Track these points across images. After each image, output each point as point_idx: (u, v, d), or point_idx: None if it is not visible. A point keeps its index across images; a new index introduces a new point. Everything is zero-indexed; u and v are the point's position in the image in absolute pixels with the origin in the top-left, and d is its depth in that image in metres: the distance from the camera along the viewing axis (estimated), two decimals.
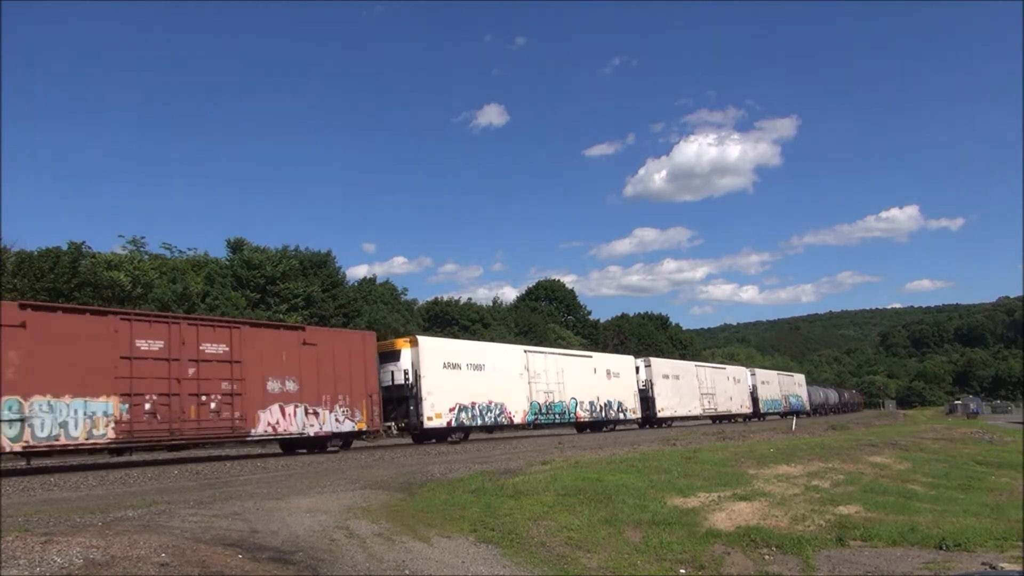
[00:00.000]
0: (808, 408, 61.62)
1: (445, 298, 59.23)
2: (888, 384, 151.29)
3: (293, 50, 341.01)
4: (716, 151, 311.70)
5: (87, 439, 15.25)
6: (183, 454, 21.28)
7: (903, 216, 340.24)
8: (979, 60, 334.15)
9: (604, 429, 32.96)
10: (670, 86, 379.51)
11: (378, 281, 55.68)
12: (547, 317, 71.00)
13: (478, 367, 26.08)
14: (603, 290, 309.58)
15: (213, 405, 17.45)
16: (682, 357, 52.86)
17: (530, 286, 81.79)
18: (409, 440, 25.04)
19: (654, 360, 39.05)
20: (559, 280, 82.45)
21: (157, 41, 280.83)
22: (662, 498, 11.07)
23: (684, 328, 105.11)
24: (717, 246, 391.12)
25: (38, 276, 28.86)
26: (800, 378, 65.22)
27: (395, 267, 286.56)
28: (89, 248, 32.35)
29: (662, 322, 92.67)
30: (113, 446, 16.38)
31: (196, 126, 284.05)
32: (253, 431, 18.14)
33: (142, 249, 37.61)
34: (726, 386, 45.48)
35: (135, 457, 20.12)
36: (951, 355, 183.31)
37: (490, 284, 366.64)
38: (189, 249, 41.45)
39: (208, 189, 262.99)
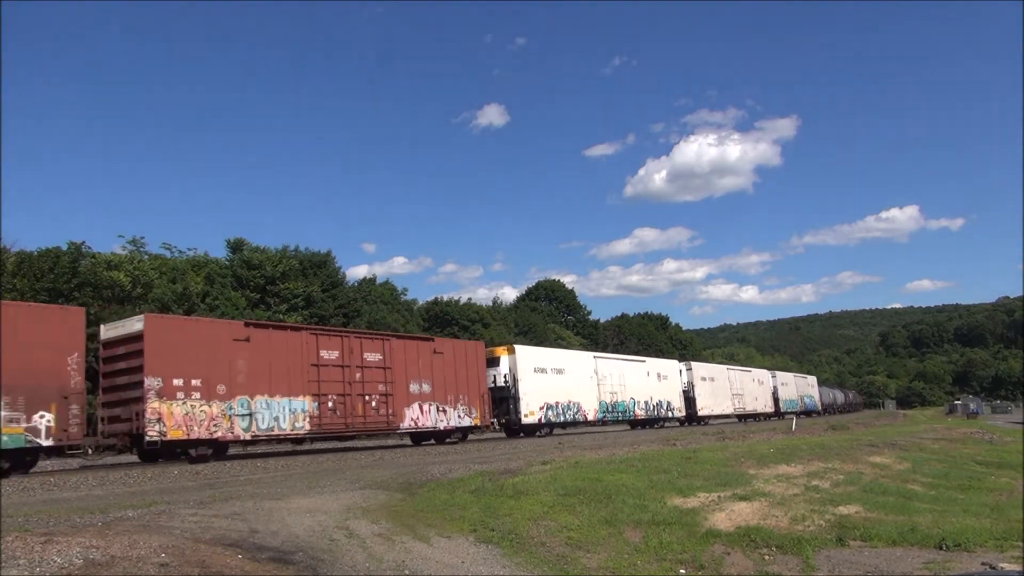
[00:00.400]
0: (820, 407, 64.98)
1: (445, 298, 59.26)
2: (888, 384, 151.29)
3: (293, 50, 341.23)
4: (716, 151, 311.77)
5: (291, 430, 19.09)
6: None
7: (903, 216, 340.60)
8: (979, 60, 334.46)
9: (655, 426, 36.48)
10: (670, 86, 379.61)
11: (378, 281, 55.74)
12: (547, 317, 71.03)
13: (559, 371, 30.04)
14: (603, 290, 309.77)
15: (374, 403, 21.36)
16: (681, 357, 54.83)
17: (530, 286, 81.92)
18: (503, 434, 28.44)
19: (695, 364, 42.57)
20: (559, 280, 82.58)
21: (157, 41, 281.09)
22: (662, 498, 11.07)
23: (684, 328, 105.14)
24: (717, 246, 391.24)
25: (38, 276, 28.85)
26: (812, 380, 69.03)
27: (395, 267, 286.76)
28: (89, 248, 32.37)
29: (662, 322, 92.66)
30: (307, 436, 20.45)
31: (196, 126, 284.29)
32: (401, 425, 22.21)
33: (142, 249, 37.62)
34: (752, 388, 48.83)
35: (135, 458, 20.11)
36: (951, 355, 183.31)
37: (490, 284, 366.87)
38: (189, 249, 41.46)
39: (208, 189, 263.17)
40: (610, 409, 32.80)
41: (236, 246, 42.00)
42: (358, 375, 20.92)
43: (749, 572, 8.37)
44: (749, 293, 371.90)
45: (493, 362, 27.31)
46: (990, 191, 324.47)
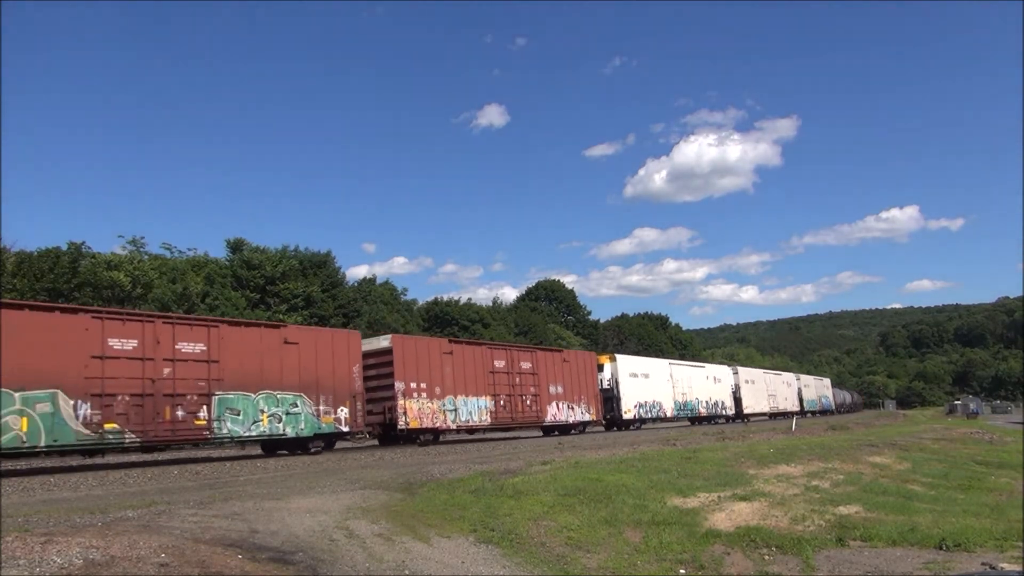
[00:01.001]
0: (834, 407, 71.64)
1: (445, 298, 59.26)
2: (888, 384, 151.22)
3: (294, 50, 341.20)
4: (716, 151, 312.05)
5: (479, 422, 25.02)
6: (182, 454, 21.44)
7: (903, 216, 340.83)
8: (979, 60, 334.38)
9: (712, 422, 41.62)
10: (670, 86, 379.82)
11: (378, 281, 55.74)
12: (547, 317, 71.00)
13: (646, 376, 35.68)
14: (603, 290, 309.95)
15: (528, 402, 27.22)
16: (681, 357, 57.75)
17: (530, 286, 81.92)
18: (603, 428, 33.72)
19: (740, 369, 49.18)
20: (559, 280, 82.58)
21: (158, 40, 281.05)
22: (662, 498, 11.07)
23: (684, 328, 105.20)
24: (717, 246, 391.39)
25: (38, 276, 28.84)
26: (827, 382, 76.91)
27: (395, 267, 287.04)
28: (89, 248, 32.37)
29: (662, 322, 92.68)
30: (488, 427, 26.30)
31: (196, 126, 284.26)
32: (546, 419, 27.85)
33: (142, 249, 37.62)
34: (783, 389, 55.69)
35: (135, 457, 20.13)
36: (951, 355, 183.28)
37: (490, 284, 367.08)
38: (189, 249, 41.47)
39: (208, 189, 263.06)
40: (682, 407, 38.43)
41: (236, 246, 42.00)
42: (517, 379, 26.88)
43: (749, 572, 8.36)
44: (749, 293, 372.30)
45: (599, 368, 32.43)
46: (990, 191, 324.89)
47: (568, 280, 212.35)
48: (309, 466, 15.13)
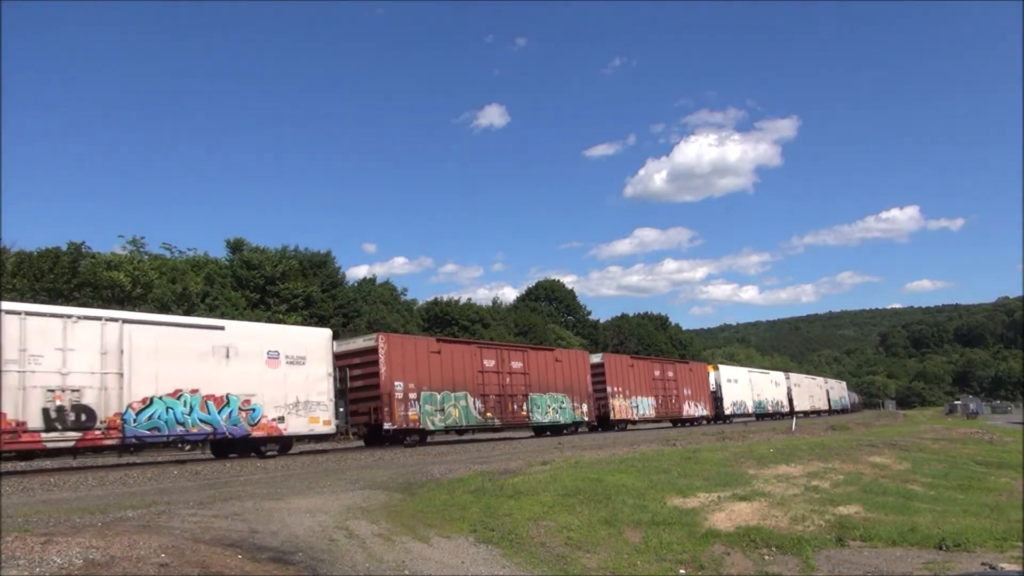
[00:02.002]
0: (849, 406, 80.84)
1: (445, 298, 59.22)
2: (888, 384, 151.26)
3: (295, 50, 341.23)
4: (716, 151, 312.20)
5: (648, 416, 34.65)
6: (185, 455, 21.46)
7: (903, 216, 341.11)
8: (979, 60, 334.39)
9: (774, 418, 49.49)
10: (670, 87, 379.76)
11: (378, 281, 55.73)
12: (547, 317, 70.98)
13: (736, 381, 45.97)
14: (603, 290, 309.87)
15: (673, 401, 37.34)
16: (681, 357, 59.75)
17: (530, 286, 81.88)
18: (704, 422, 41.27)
19: (791, 375, 60.83)
20: (559, 280, 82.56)
21: (157, 40, 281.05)
22: (662, 498, 11.07)
23: (684, 328, 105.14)
24: (717, 246, 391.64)
25: (38, 276, 28.84)
26: (844, 384, 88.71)
27: (396, 267, 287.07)
28: (89, 248, 32.36)
29: (662, 322, 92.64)
30: (653, 419, 35.51)
31: (196, 126, 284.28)
32: (683, 415, 38.30)
33: (142, 249, 37.61)
34: (817, 391, 66.44)
35: (136, 459, 20.13)
36: (951, 355, 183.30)
37: (490, 284, 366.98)
38: (189, 249, 41.44)
39: (208, 189, 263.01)
40: (757, 406, 48.40)
41: (236, 246, 41.98)
42: (663, 385, 37.10)
43: (749, 572, 8.37)
44: (749, 293, 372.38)
45: (708, 374, 43.24)
46: (990, 191, 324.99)
47: (568, 280, 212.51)
48: (309, 466, 15.14)
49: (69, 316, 15.10)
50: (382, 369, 21.41)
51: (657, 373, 36.18)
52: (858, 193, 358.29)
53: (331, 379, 19.59)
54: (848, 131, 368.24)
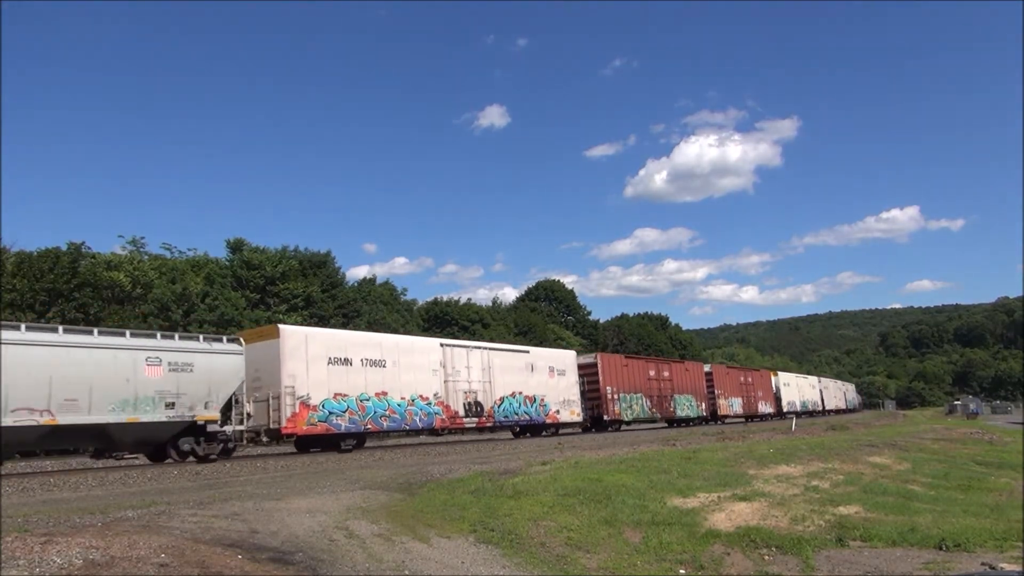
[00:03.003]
0: (857, 405, 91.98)
1: (445, 298, 59.20)
2: (888, 384, 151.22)
3: (296, 50, 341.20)
4: (717, 152, 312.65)
5: (738, 412, 46.32)
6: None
7: (903, 217, 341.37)
8: (979, 60, 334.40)
9: (812, 416, 59.25)
10: (671, 87, 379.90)
11: (378, 281, 55.67)
12: (546, 317, 70.95)
13: (789, 385, 58.36)
14: (603, 290, 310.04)
15: (753, 401, 48.21)
16: (682, 357, 59.80)
17: (530, 286, 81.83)
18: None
19: (822, 379, 74.91)
20: (559, 280, 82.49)
21: (158, 40, 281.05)
22: (662, 498, 11.07)
23: (684, 328, 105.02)
24: (717, 246, 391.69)
25: (38, 276, 28.82)
26: (852, 387, 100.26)
27: (396, 267, 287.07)
28: (89, 248, 32.35)
29: (662, 322, 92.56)
30: (741, 415, 46.91)
31: (197, 126, 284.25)
32: (759, 412, 48.46)
33: (142, 249, 37.60)
34: (838, 392, 79.78)
35: (137, 460, 20.12)
36: (951, 355, 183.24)
37: (490, 285, 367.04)
38: (189, 249, 41.43)
39: (208, 189, 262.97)
40: (802, 405, 59.79)
41: (236, 246, 41.96)
42: (747, 388, 48.28)
43: (749, 572, 8.36)
44: (749, 293, 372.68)
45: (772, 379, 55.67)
46: (990, 192, 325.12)
47: (568, 280, 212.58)
48: (309, 466, 15.14)
49: (467, 346, 26.04)
50: (600, 378, 32.03)
51: (742, 379, 48.60)
52: (858, 193, 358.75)
53: (578, 385, 30.15)
54: (848, 131, 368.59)
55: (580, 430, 31.74)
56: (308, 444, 20.39)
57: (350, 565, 6.85)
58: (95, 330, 16.12)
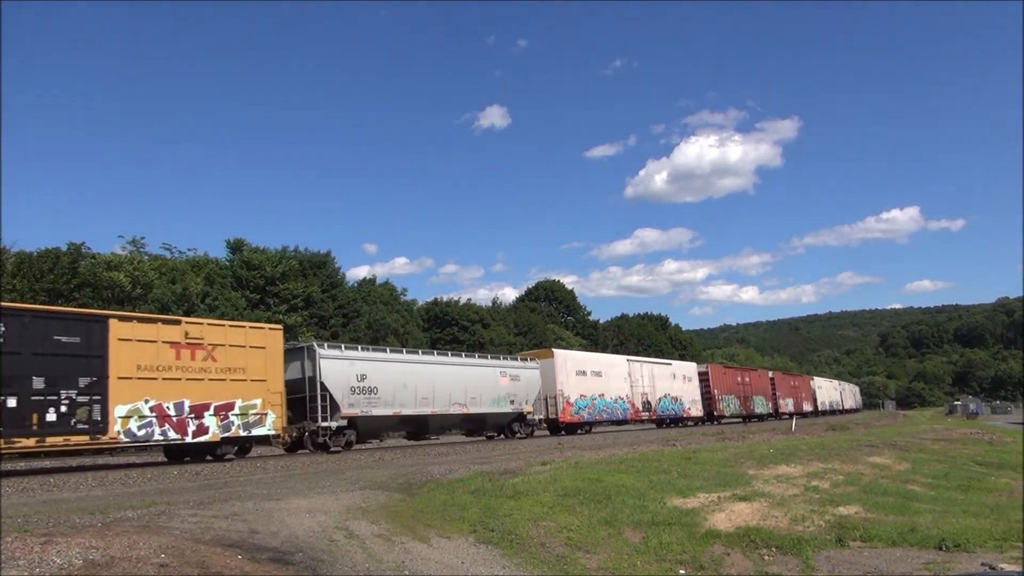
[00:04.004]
0: (860, 405, 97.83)
1: (445, 299, 59.19)
2: (888, 385, 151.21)
3: (296, 51, 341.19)
4: (717, 152, 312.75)
5: (787, 410, 52.74)
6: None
7: (904, 217, 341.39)
8: (979, 60, 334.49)
9: (836, 414, 66.65)
10: (671, 87, 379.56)
11: (378, 282, 55.67)
12: (546, 318, 70.95)
13: (822, 388, 67.62)
14: (603, 291, 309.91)
15: (799, 402, 57.49)
16: (681, 357, 59.98)
17: (529, 287, 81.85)
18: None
19: (841, 382, 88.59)
20: (558, 280, 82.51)
21: (158, 40, 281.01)
22: (662, 499, 11.07)
23: (684, 329, 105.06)
24: (718, 247, 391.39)
25: (37, 277, 28.81)
26: (857, 388, 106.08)
27: (396, 268, 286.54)
28: (89, 249, 32.30)
29: (662, 322, 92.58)
30: (790, 412, 52.24)
31: (197, 126, 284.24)
32: (803, 410, 57.20)
33: (142, 250, 37.56)
34: (850, 393, 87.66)
35: (136, 459, 20.13)
36: (951, 356, 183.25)
37: (491, 285, 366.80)
38: (189, 249, 41.41)
39: (208, 189, 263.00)
40: (831, 404, 69.27)
41: (236, 246, 41.95)
42: (781, 393, 53.66)
43: (749, 572, 8.36)
44: (749, 294, 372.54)
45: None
46: (990, 192, 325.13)
47: (569, 281, 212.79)
48: (309, 466, 15.14)
49: (641, 361, 37.13)
50: (710, 383, 42.31)
51: (792, 383, 57.80)
52: (858, 194, 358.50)
53: (699, 388, 40.93)
54: (849, 132, 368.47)
55: (700, 423, 40.82)
56: (567, 428, 29.94)
57: (350, 565, 6.86)
58: (476, 355, 28.31)
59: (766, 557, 8.83)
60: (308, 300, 39.79)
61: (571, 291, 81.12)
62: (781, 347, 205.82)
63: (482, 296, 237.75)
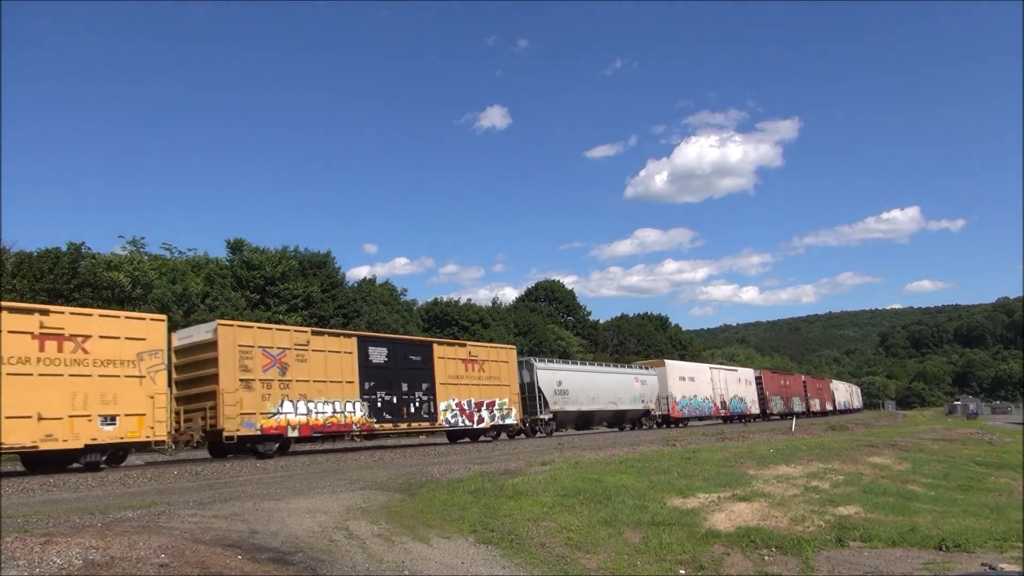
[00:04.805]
0: (861, 405, 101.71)
1: (445, 299, 59.20)
2: (888, 385, 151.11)
3: (297, 51, 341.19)
4: (717, 152, 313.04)
5: (801, 410, 58.55)
6: (189, 455, 21.46)
7: (904, 217, 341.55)
8: (979, 60, 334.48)
9: (847, 413, 71.87)
10: (671, 88, 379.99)
11: (379, 282, 55.68)
12: (546, 318, 70.94)
13: (839, 389, 76.13)
14: (604, 291, 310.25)
15: (824, 400, 66.86)
16: (681, 358, 60.40)
17: (529, 287, 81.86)
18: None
19: (851, 384, 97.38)
20: (558, 280, 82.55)
21: (158, 40, 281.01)
22: (662, 499, 11.06)
23: (684, 329, 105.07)
24: (718, 247, 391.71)
25: (37, 277, 28.80)
26: (859, 389, 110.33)
27: (397, 268, 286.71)
28: (89, 249, 32.32)
29: (661, 323, 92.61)
30: (806, 412, 59.42)
31: (197, 126, 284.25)
32: (827, 407, 66.85)
33: (142, 250, 37.57)
34: (857, 393, 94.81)
35: (137, 460, 20.13)
36: (951, 356, 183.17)
37: (491, 285, 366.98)
38: (189, 250, 41.41)
39: (208, 189, 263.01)
40: (845, 404, 75.27)
41: (236, 247, 41.95)
42: (804, 394, 59.98)
43: (749, 572, 8.36)
44: (749, 294, 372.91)
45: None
46: (990, 192, 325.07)
47: (569, 281, 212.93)
48: (309, 466, 15.15)
49: (718, 368, 46.75)
50: (763, 385, 50.71)
51: (818, 385, 66.05)
52: (859, 194, 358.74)
53: (756, 389, 48.80)
54: (849, 132, 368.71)
55: (756, 419, 47.99)
56: (675, 422, 38.08)
57: (350, 565, 6.85)
58: (618, 365, 38.19)
59: (766, 557, 8.83)
60: (308, 300, 39.79)
61: (571, 291, 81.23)
62: (781, 347, 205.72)
63: (483, 296, 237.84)
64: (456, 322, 53.75)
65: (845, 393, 79.99)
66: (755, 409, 48.18)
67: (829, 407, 67.15)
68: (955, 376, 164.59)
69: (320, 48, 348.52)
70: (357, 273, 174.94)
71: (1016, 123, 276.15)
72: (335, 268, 46.09)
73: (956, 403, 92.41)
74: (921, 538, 9.62)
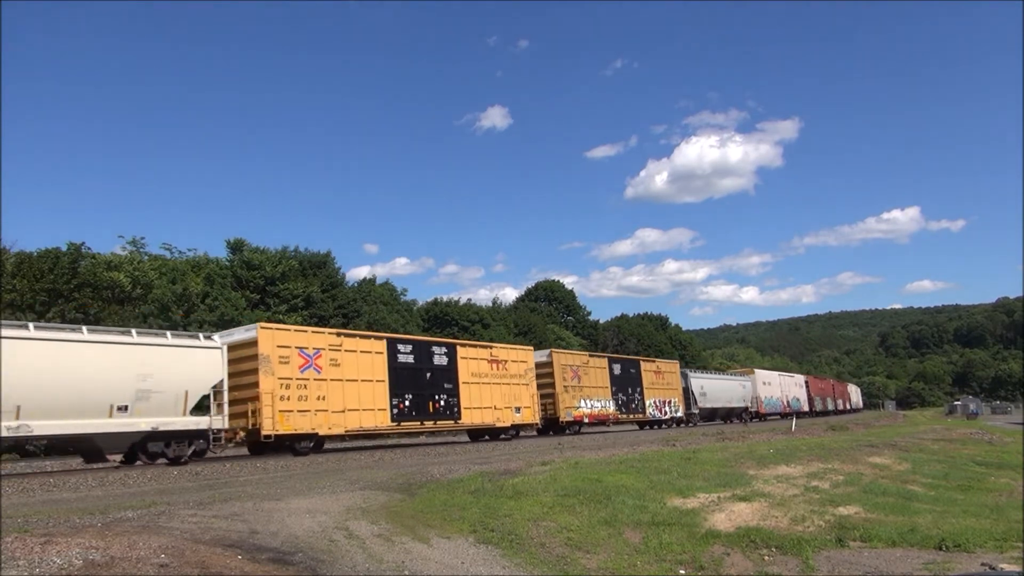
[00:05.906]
0: (862, 404, 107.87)
1: (445, 299, 59.16)
2: (888, 385, 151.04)
3: (297, 51, 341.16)
4: (717, 152, 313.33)
5: (808, 409, 64.22)
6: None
7: (904, 217, 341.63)
8: (979, 61, 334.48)
9: (853, 412, 78.42)
10: (672, 88, 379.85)
11: (379, 282, 55.63)
12: (546, 318, 70.91)
13: (854, 391, 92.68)
14: (604, 291, 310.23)
15: (840, 399, 77.54)
16: (681, 358, 60.14)
17: (530, 287, 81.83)
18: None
19: (854, 385, 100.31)
20: (558, 281, 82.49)
21: (158, 40, 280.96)
22: (662, 499, 11.06)
23: (684, 329, 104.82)
24: (718, 247, 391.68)
25: (37, 277, 28.78)
26: (860, 389, 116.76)
27: (397, 268, 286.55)
28: (89, 249, 32.29)
29: (661, 323, 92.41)
30: (818, 411, 66.69)
31: (197, 126, 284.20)
32: (847, 407, 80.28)
33: (142, 250, 37.56)
34: (860, 393, 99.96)
35: (137, 462, 20.11)
36: (951, 356, 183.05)
37: (491, 285, 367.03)
38: (189, 249, 41.39)
39: (208, 190, 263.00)
40: (856, 402, 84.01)
41: (236, 247, 41.92)
42: (818, 393, 68.04)
43: (749, 572, 8.36)
44: (749, 294, 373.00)
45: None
46: (990, 192, 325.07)
47: (569, 281, 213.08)
48: (308, 466, 15.14)
49: (775, 372, 61.99)
50: (810, 387, 62.99)
51: (840, 388, 77.59)
52: (859, 194, 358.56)
53: (805, 391, 61.34)
54: (849, 132, 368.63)
55: (806, 416, 56.11)
56: (762, 418, 48.70)
57: (350, 565, 6.85)
58: (731, 372, 54.64)
59: (766, 557, 8.83)
60: (308, 300, 39.76)
61: (571, 291, 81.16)
62: (781, 347, 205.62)
63: (483, 296, 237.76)
64: (456, 322, 53.72)
65: (856, 393, 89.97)
66: (806, 408, 59.81)
67: (847, 406, 79.01)
68: (955, 376, 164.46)
69: (320, 48, 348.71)
70: (357, 273, 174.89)
71: (1016, 123, 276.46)
72: (335, 268, 46.07)
73: (956, 403, 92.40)
74: (921, 538, 9.62)
